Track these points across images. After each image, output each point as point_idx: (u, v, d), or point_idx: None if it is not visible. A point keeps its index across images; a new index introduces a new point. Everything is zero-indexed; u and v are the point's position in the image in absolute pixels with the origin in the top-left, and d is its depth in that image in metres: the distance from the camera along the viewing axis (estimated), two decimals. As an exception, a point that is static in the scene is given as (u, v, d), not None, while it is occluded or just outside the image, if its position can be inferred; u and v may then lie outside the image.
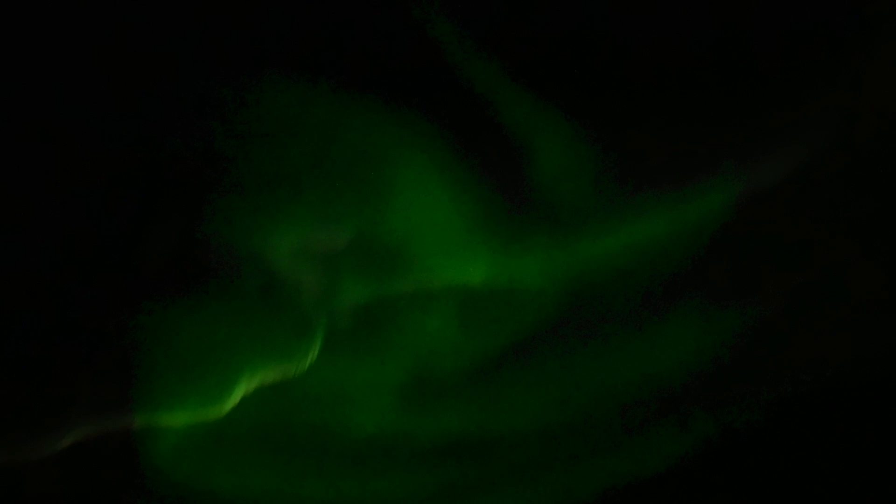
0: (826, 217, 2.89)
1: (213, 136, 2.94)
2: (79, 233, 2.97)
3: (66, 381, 2.90)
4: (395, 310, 2.94)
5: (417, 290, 2.94)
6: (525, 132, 2.95)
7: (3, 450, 2.88)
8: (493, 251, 2.95)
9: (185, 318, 2.92)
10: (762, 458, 2.86)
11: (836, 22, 2.91)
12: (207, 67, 2.96)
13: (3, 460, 2.88)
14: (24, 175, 2.96)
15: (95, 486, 2.91)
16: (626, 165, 2.91)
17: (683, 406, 2.87)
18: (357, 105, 2.95)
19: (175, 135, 2.95)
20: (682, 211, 2.89)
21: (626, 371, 2.90)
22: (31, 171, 2.96)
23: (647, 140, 2.91)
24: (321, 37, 2.98)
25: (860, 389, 2.85)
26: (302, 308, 2.94)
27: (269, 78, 2.96)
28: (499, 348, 2.93)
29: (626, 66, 2.92)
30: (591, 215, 2.92)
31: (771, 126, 2.89)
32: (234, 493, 2.89)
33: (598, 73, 2.92)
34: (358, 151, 2.97)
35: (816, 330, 2.88)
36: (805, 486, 2.85)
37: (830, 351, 2.87)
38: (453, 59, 2.94)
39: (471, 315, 2.95)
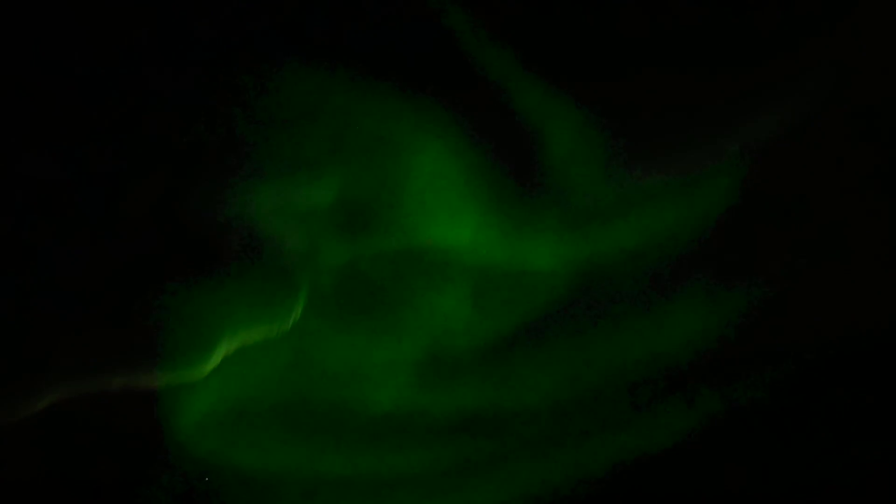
0: (829, 201, 2.96)
1: (235, 122, 3.01)
2: (58, 190, 2.99)
3: (42, 342, 2.91)
4: (411, 290, 3.02)
5: (432, 271, 3.02)
6: (537, 118, 3.03)
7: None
8: (505, 233, 3.03)
9: (206, 297, 2.99)
10: (766, 433, 2.92)
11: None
12: (229, 55, 3.03)
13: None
14: (54, 161, 3.01)
15: (72, 448, 2.93)
16: (635, 151, 2.99)
17: (690, 383, 2.94)
18: (374, 92, 3.03)
19: (198, 120, 3.01)
20: (689, 195, 2.97)
21: (635, 350, 2.97)
22: (60, 161, 3.01)
23: (656, 126, 2.98)
24: (339, 26, 3.05)
25: (861, 367, 2.92)
26: (320, 289, 3.01)
27: (289, 66, 3.03)
28: (511, 328, 3.01)
29: (635, 55, 2.99)
30: (601, 199, 3.00)
31: (773, 101, 2.96)
32: (256, 467, 2.96)
33: (608, 61, 3.00)
34: (375, 137, 3.04)
35: (819, 310, 2.94)
36: (807, 460, 2.91)
37: (832, 330, 2.93)
38: (467, 48, 3.02)
39: (484, 295, 3.02)
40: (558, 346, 3.00)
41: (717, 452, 2.92)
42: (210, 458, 2.95)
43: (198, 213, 2.98)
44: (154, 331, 2.93)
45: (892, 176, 2.95)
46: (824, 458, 2.91)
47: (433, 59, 3.02)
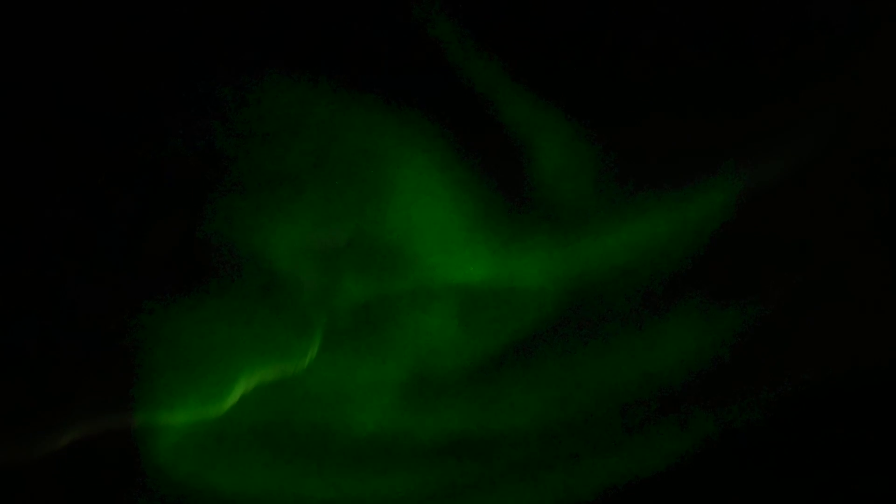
0: (826, 215, 2.93)
1: (213, 136, 2.96)
2: (78, 231, 2.98)
3: (64, 379, 2.89)
4: (396, 309, 2.96)
5: (418, 289, 2.96)
6: (525, 131, 2.97)
7: (1, 449, 2.88)
8: (493, 250, 2.97)
9: (185, 316, 2.94)
10: (762, 456, 2.89)
11: (836, 19, 2.95)
12: (208, 66, 2.99)
13: (1, 460, 2.88)
14: (23, 173, 2.98)
15: (95, 486, 2.89)
16: (627, 165, 2.94)
17: (684, 405, 2.90)
18: (358, 104, 2.98)
19: (176, 134, 2.97)
20: (683, 210, 2.92)
21: (627, 370, 2.92)
22: (30, 169, 2.98)
23: (648, 139, 2.94)
24: (322, 36, 3.00)
25: (861, 388, 2.89)
26: (302, 307, 2.95)
27: (270, 77, 2.98)
28: (499, 347, 2.95)
29: (626, 65, 2.95)
30: (592, 214, 2.95)
31: (770, 124, 2.93)
32: (235, 491, 2.90)
33: (599, 72, 2.95)
34: (359, 151, 2.98)
35: (817, 329, 2.91)
36: (805, 485, 2.87)
37: (831, 350, 2.90)
38: (454, 59, 2.97)
39: (471, 314, 2.96)
40: (547, 366, 2.94)
41: (712, 476, 2.88)
42: (188, 481, 2.89)
43: (176, 230, 2.94)
44: (176, 368, 2.89)
45: (891, 190, 2.92)
46: (823, 482, 2.87)
47: (418, 70, 2.97)
